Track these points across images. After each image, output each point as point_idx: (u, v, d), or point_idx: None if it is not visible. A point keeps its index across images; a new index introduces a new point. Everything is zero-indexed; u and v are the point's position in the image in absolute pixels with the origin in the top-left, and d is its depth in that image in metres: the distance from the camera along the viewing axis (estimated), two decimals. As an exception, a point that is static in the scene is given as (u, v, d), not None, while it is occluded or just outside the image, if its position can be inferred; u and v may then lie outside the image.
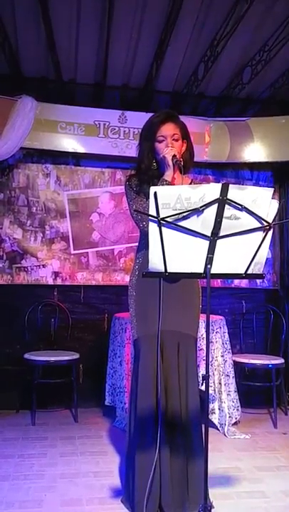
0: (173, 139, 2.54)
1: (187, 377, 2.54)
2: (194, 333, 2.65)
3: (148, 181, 2.54)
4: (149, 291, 2.50)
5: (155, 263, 1.95)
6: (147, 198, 2.54)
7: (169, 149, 2.49)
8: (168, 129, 2.54)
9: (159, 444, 2.38)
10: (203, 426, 2.03)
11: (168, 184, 2.47)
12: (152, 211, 1.88)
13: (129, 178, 2.67)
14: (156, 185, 2.46)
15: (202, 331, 3.83)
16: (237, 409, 3.96)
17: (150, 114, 2.72)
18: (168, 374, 2.51)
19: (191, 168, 2.74)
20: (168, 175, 2.49)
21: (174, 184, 2.51)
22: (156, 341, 2.46)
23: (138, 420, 2.50)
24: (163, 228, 1.89)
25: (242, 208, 1.86)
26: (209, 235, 1.90)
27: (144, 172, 2.59)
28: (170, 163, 2.47)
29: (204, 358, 3.61)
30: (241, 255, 1.95)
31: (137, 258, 2.70)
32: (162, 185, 2.45)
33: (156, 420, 2.44)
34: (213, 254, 1.93)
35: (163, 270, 1.95)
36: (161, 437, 2.39)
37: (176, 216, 1.88)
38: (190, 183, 2.67)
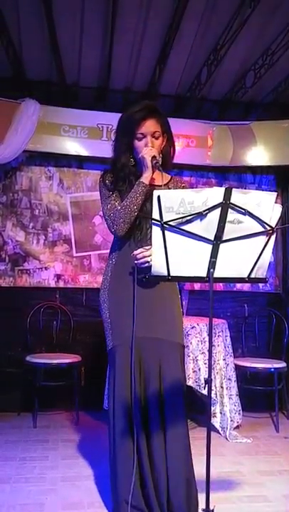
0: (153, 137, 2.38)
1: (166, 384, 2.37)
2: (181, 340, 2.47)
3: (124, 178, 2.42)
4: (124, 294, 2.36)
5: (158, 267, 1.95)
6: (122, 195, 2.43)
7: (148, 149, 2.33)
8: (149, 126, 2.36)
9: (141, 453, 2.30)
10: (205, 429, 2.02)
11: (144, 186, 2.36)
12: (156, 215, 1.88)
13: (103, 174, 2.49)
14: (133, 185, 2.38)
15: (204, 334, 3.85)
16: (239, 413, 3.95)
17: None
18: (147, 382, 2.38)
19: (172, 162, 2.55)
20: (146, 177, 2.36)
21: (153, 185, 2.41)
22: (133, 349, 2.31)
23: (116, 434, 2.38)
24: (166, 232, 1.90)
25: (245, 212, 1.86)
26: (212, 239, 1.90)
27: (120, 169, 2.43)
28: (149, 164, 2.32)
29: (206, 362, 3.61)
30: (244, 259, 1.95)
31: (110, 259, 2.53)
32: (139, 187, 2.35)
33: (133, 432, 2.31)
34: (216, 258, 1.93)
35: (166, 274, 1.95)
36: (139, 448, 2.30)
37: (180, 220, 1.88)
38: (170, 180, 2.55)
